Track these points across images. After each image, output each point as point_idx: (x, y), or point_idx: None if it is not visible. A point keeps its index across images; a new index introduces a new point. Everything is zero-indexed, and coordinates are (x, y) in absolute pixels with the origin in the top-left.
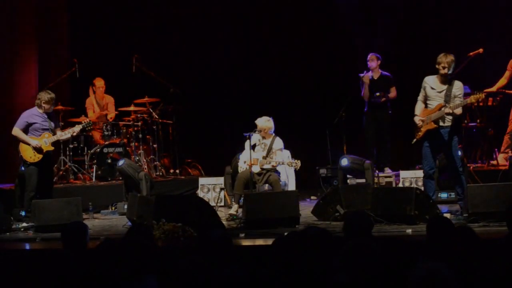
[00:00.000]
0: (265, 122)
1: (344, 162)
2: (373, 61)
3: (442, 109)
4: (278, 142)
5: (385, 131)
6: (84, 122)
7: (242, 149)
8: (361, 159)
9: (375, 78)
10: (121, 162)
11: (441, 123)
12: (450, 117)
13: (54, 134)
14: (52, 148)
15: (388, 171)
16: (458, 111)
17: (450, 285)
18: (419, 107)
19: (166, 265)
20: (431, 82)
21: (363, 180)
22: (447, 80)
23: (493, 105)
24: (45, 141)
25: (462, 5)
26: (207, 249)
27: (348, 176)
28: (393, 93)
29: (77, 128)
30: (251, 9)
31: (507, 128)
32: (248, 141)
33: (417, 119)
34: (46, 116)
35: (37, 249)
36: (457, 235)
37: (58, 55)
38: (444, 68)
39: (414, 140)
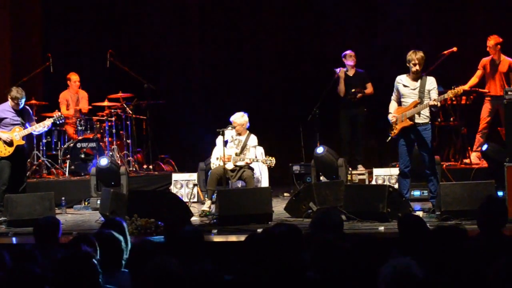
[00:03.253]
0: (240, 118)
1: (320, 150)
2: (351, 57)
3: (418, 106)
4: (253, 139)
5: (359, 128)
6: (55, 116)
7: (215, 145)
8: (337, 155)
9: (350, 75)
10: (106, 162)
11: (416, 120)
12: (426, 114)
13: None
14: (22, 142)
15: (361, 168)
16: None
17: (418, 282)
18: (393, 106)
19: (138, 260)
20: (403, 80)
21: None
22: (419, 77)
23: (466, 104)
24: (16, 135)
25: (436, 4)
26: (178, 245)
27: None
28: (369, 89)
29: (48, 122)
30: (224, 6)
31: (479, 127)
32: (220, 136)
33: (390, 116)
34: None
35: (9, 244)
36: (438, 234)
37: (32, 50)
38: (415, 65)
39: (389, 138)
